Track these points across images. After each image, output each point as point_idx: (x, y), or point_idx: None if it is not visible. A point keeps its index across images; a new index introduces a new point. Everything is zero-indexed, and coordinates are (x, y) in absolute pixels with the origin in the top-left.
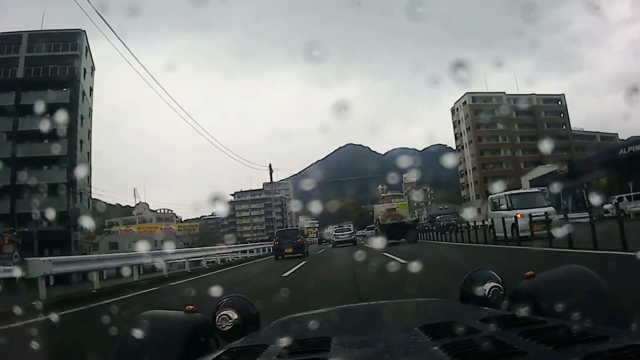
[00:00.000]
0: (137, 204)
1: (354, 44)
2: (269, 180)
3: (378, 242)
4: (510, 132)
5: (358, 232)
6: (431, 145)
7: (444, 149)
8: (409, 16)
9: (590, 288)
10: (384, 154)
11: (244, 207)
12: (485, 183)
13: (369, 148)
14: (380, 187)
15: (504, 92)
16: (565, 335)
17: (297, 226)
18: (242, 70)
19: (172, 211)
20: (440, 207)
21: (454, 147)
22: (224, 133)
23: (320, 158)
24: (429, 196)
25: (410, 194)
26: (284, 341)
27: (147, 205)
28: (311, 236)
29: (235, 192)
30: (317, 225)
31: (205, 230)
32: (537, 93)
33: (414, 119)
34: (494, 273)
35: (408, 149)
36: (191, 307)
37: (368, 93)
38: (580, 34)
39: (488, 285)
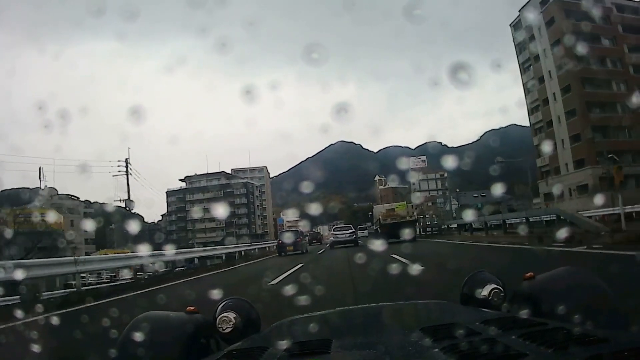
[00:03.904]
0: (42, 189)
1: (346, 43)
2: None
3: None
4: (622, 53)
5: None
6: (425, 143)
7: (439, 146)
8: (405, 16)
9: (591, 289)
10: (377, 152)
11: (196, 198)
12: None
13: (361, 145)
14: (378, 178)
15: None
16: (565, 338)
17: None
18: (233, 66)
19: (78, 198)
20: (476, 195)
21: (452, 145)
22: (215, 129)
23: (311, 155)
24: (445, 184)
25: (422, 182)
26: (284, 343)
27: (56, 190)
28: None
29: (187, 177)
30: (301, 223)
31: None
32: None
33: (407, 117)
34: (494, 275)
35: (401, 146)
36: (192, 307)
37: (360, 91)
38: None
39: (488, 287)
